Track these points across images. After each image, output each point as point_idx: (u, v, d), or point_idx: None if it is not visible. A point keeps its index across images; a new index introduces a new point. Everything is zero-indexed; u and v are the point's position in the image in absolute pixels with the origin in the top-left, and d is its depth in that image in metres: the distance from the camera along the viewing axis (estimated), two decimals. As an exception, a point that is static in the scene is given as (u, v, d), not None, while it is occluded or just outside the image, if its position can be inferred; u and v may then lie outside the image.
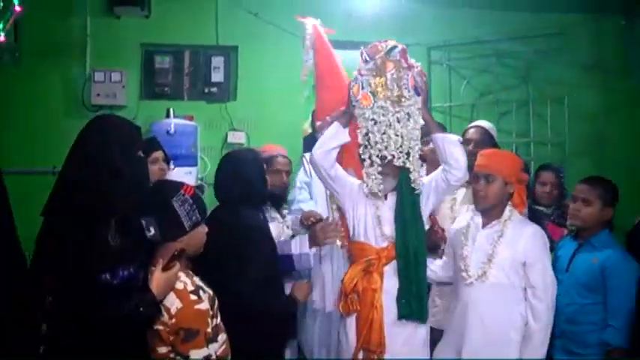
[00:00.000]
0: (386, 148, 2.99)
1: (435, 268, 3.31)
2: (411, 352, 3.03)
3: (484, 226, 3.10)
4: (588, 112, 5.94)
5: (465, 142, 3.63)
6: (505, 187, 3.05)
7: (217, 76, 5.60)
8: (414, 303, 2.99)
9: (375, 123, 3.01)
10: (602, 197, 3.18)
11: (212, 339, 2.21)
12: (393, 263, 3.07)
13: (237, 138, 5.47)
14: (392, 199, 3.14)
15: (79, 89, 5.39)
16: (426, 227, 3.21)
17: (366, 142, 3.04)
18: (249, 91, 5.59)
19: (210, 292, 2.30)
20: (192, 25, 5.55)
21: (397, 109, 3.00)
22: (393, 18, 5.45)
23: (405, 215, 3.05)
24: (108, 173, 2.11)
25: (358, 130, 3.09)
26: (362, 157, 3.08)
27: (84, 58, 5.44)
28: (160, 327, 2.11)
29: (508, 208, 3.06)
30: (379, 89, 3.01)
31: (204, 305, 2.20)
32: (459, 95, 5.84)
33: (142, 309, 2.00)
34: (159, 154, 3.37)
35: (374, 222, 3.13)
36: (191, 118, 5.31)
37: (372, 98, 3.01)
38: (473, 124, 3.94)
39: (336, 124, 3.16)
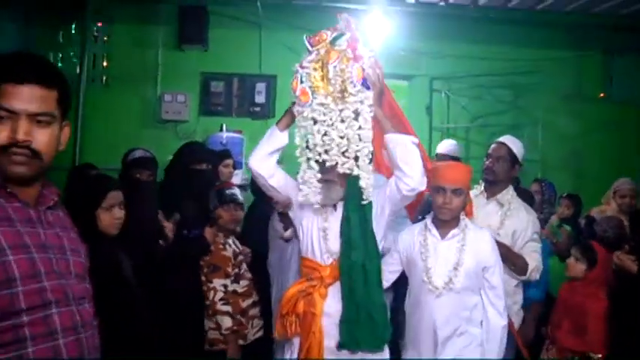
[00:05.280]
0: (327, 152, 2.54)
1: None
2: None
3: (443, 237, 2.94)
4: (567, 134, 6.91)
5: (486, 157, 3.57)
6: (466, 198, 2.98)
7: (260, 98, 6.66)
8: (360, 330, 2.62)
9: (315, 122, 2.55)
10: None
11: (234, 280, 3.43)
12: (339, 283, 2.70)
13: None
14: (342, 210, 2.73)
15: (152, 107, 6.53)
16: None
17: (305, 144, 2.61)
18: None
19: (237, 250, 3.55)
20: (240, 58, 6.57)
21: (341, 107, 2.53)
22: (401, 52, 6.48)
23: (352, 229, 2.64)
24: (179, 178, 3.53)
25: (296, 130, 2.67)
26: (299, 160, 2.68)
27: (156, 82, 6.54)
28: (202, 263, 3.41)
29: (462, 217, 2.98)
30: (320, 84, 2.53)
31: (227, 254, 3.46)
32: (456, 119, 6.88)
33: (204, 246, 3.35)
34: (230, 161, 4.68)
35: (320, 235, 2.75)
36: (239, 132, 6.27)
37: (310, 94, 2.54)
38: (498, 139, 3.69)
39: (272, 126, 2.80)
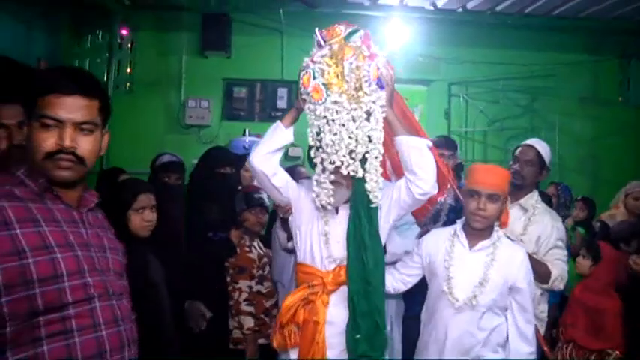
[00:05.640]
0: (337, 152, 2.41)
1: (403, 277, 2.90)
2: None
3: (472, 247, 2.71)
4: (583, 138, 6.96)
5: (513, 160, 3.40)
6: (502, 205, 2.72)
7: (282, 103, 6.79)
8: (368, 339, 2.49)
9: (328, 121, 2.41)
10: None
11: (258, 282, 3.52)
12: (342, 290, 2.56)
13: (296, 152, 6.44)
14: (344, 213, 2.60)
15: (176, 112, 6.66)
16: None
17: (318, 144, 2.46)
18: (306, 116, 6.75)
19: (261, 252, 3.63)
20: (262, 64, 6.67)
21: (354, 106, 2.40)
22: (419, 58, 6.61)
23: (359, 233, 2.51)
24: (205, 181, 3.66)
25: (308, 130, 2.50)
26: (314, 161, 2.53)
27: (180, 88, 6.67)
28: (228, 264, 3.51)
29: (495, 228, 2.74)
30: (334, 80, 2.40)
31: (253, 256, 3.54)
32: (474, 122, 6.95)
33: (230, 247, 3.47)
34: None
35: (321, 240, 2.63)
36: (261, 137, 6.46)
37: (324, 91, 2.40)
38: (525, 142, 3.47)
39: (277, 122, 2.64)
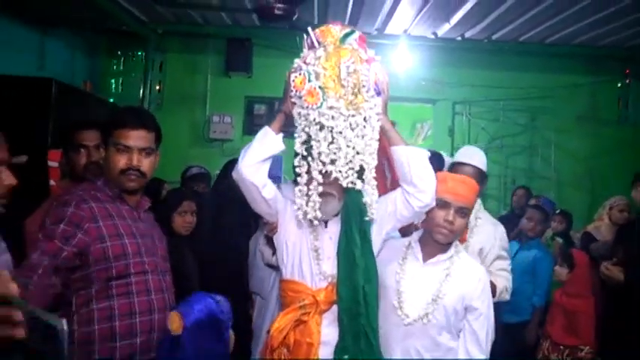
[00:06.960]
0: (333, 162, 2.23)
1: None
2: None
3: (426, 260, 2.47)
4: (581, 155, 7.29)
5: None
6: (468, 219, 2.52)
7: None
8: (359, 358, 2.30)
9: (322, 128, 2.24)
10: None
11: None
12: (335, 309, 2.38)
13: (310, 165, 7.17)
14: (334, 226, 2.44)
15: (201, 127, 7.21)
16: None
17: (305, 153, 2.28)
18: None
19: None
20: (281, 83, 6.70)
21: (352, 112, 2.23)
22: (423, 80, 7.11)
23: (351, 248, 2.34)
24: (226, 190, 4.11)
25: (296, 135, 2.34)
26: (297, 170, 2.33)
27: (205, 105, 7.22)
28: None
29: (455, 242, 2.51)
30: (330, 84, 2.23)
31: None
32: (476, 139, 7.33)
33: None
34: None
35: (311, 256, 2.44)
36: (278, 150, 6.91)
37: (320, 95, 2.23)
38: (457, 160, 3.17)
39: (265, 128, 2.44)
